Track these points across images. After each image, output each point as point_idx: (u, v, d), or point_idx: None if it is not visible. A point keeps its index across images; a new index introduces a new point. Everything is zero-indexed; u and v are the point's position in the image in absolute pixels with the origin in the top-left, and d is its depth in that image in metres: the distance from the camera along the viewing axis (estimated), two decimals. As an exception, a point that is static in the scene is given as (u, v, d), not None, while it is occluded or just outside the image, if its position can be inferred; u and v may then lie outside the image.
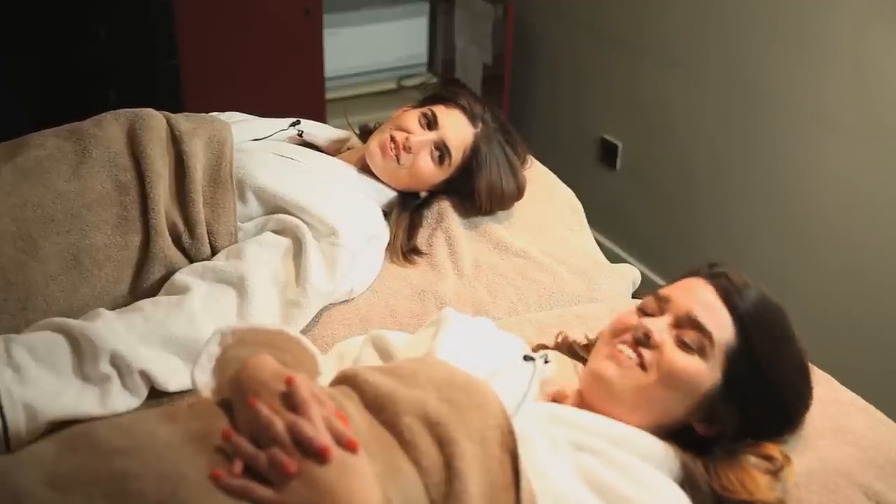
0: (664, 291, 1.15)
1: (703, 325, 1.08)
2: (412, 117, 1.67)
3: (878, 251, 2.10)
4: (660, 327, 1.10)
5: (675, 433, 1.11)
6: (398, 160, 1.64)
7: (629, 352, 1.10)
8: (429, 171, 1.67)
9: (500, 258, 1.70)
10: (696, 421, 1.10)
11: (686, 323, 1.10)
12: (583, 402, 1.14)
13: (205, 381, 1.05)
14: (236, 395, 0.96)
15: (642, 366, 1.09)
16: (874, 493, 1.19)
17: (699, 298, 1.11)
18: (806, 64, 2.19)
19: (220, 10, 2.85)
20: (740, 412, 1.08)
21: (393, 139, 1.64)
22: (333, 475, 0.85)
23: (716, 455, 1.08)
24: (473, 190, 1.70)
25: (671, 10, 2.58)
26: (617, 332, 1.14)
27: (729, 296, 1.10)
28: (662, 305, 1.13)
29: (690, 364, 1.08)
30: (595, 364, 1.13)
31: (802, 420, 1.14)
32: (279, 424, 0.88)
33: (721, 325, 1.09)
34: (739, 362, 1.08)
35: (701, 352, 1.08)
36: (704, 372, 1.07)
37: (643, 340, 1.10)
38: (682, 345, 1.09)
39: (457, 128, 1.66)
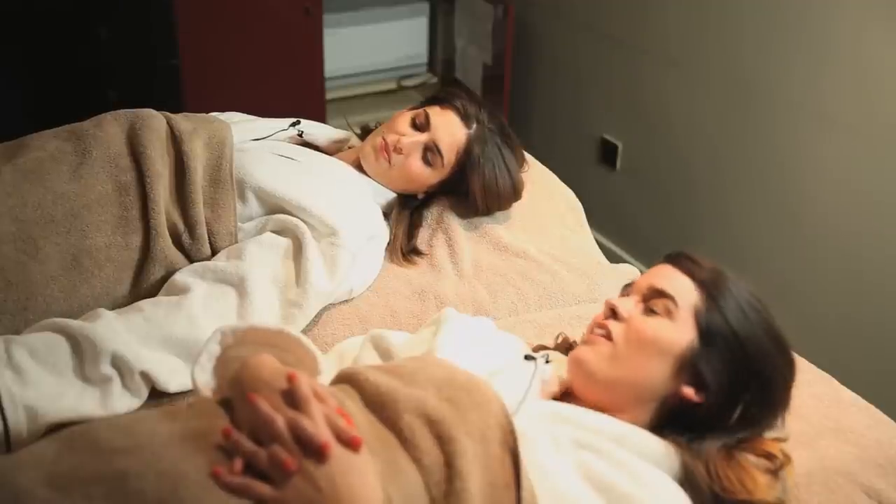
0: (630, 283, 1.22)
1: (664, 290, 1.13)
2: (405, 119, 1.68)
3: (877, 251, 2.10)
4: (626, 304, 1.15)
5: (670, 414, 1.11)
6: (389, 161, 1.65)
7: (599, 330, 1.15)
8: (420, 172, 1.67)
9: (500, 258, 1.70)
10: (685, 385, 1.10)
11: (650, 294, 1.15)
12: (572, 392, 1.16)
13: (205, 381, 1.05)
14: (237, 393, 0.96)
15: (611, 338, 1.13)
16: (875, 492, 1.19)
17: (659, 274, 1.17)
18: (806, 64, 2.19)
19: (220, 10, 2.85)
20: (722, 373, 1.09)
21: (384, 141, 1.64)
22: (335, 473, 0.85)
23: (714, 450, 1.08)
24: (469, 191, 1.70)
25: (671, 10, 2.58)
26: (592, 327, 1.19)
27: (687, 267, 1.15)
28: (628, 290, 1.20)
29: (658, 325, 1.11)
30: (573, 352, 1.17)
31: (779, 389, 1.12)
32: (280, 421, 0.88)
33: (683, 289, 1.13)
34: (710, 320, 1.10)
35: (667, 314, 1.12)
36: (671, 330, 1.10)
37: (611, 315, 1.15)
38: (649, 311, 1.13)
39: (448, 129, 1.66)
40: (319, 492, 0.85)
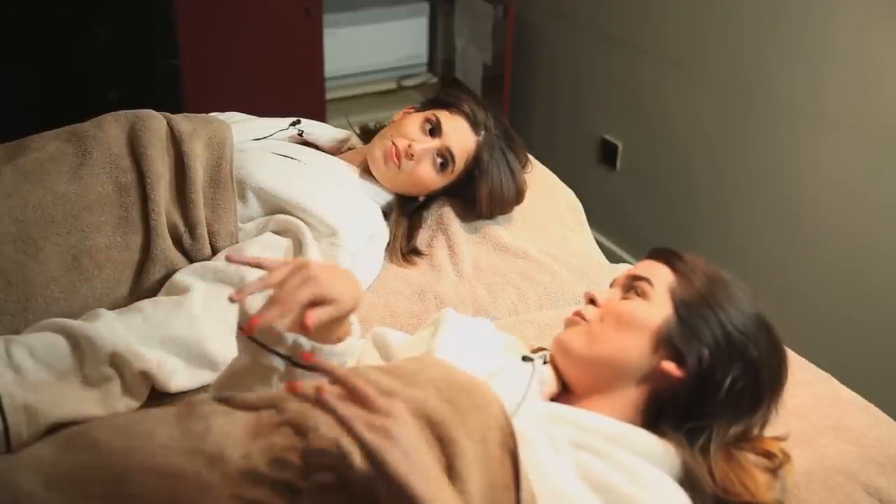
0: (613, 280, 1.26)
1: (640, 274, 1.17)
2: (415, 123, 1.66)
3: (877, 251, 2.10)
4: (605, 293, 1.20)
5: (660, 399, 1.11)
6: (399, 166, 1.64)
7: (578, 317, 1.19)
8: (430, 177, 1.67)
9: (500, 258, 1.70)
10: (665, 360, 1.10)
11: (628, 282, 1.19)
12: (570, 392, 1.17)
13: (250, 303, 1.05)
14: None
15: (583, 318, 1.17)
16: (876, 491, 1.19)
17: (638, 266, 1.22)
18: (806, 64, 2.19)
19: (220, 10, 2.85)
20: (700, 346, 1.10)
21: (395, 146, 1.63)
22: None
23: (714, 449, 1.08)
24: (475, 197, 1.70)
25: (671, 10, 2.58)
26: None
27: (666, 257, 1.19)
28: (611, 285, 1.24)
29: (633, 304, 1.15)
30: (555, 336, 1.20)
31: (765, 365, 1.11)
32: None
33: (659, 273, 1.17)
34: (686, 296, 1.13)
35: (643, 294, 1.15)
36: (646, 307, 1.13)
37: (590, 304, 1.20)
38: (626, 296, 1.17)
39: (460, 135, 1.66)
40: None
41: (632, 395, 1.12)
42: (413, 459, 0.81)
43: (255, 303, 1.37)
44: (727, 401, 1.09)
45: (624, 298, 1.17)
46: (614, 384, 1.13)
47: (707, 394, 1.09)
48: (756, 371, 1.11)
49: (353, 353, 1.10)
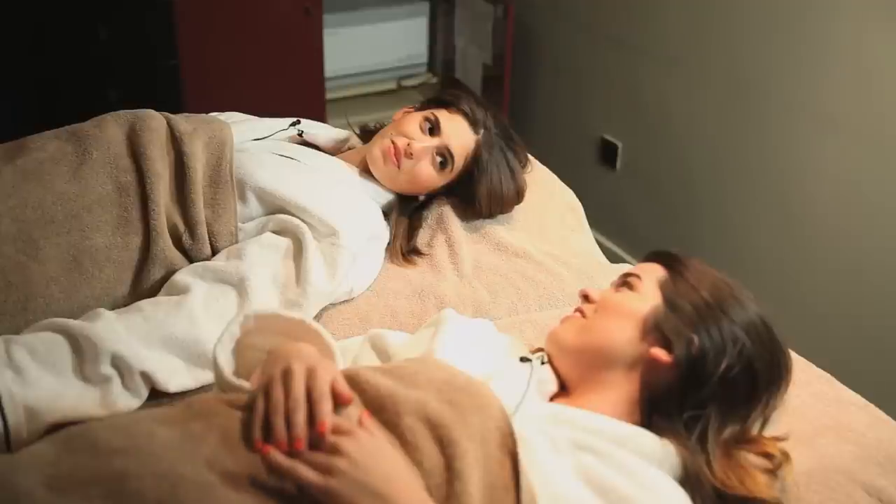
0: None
1: (631, 271, 1.22)
2: (414, 122, 1.66)
3: (877, 251, 2.10)
4: (598, 290, 1.24)
5: (652, 388, 1.11)
6: (399, 166, 1.64)
7: (574, 312, 1.23)
8: (429, 176, 1.67)
9: (500, 258, 1.70)
10: (653, 347, 1.11)
11: (621, 280, 1.22)
12: (569, 392, 1.17)
13: (226, 360, 1.07)
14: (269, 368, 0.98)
15: (583, 315, 1.21)
16: (876, 491, 1.19)
17: (635, 267, 1.25)
18: (806, 64, 2.19)
19: (220, 10, 2.85)
20: (689, 331, 1.10)
21: (394, 144, 1.64)
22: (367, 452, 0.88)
23: (713, 448, 1.08)
24: (474, 195, 1.70)
25: (671, 10, 2.59)
26: None
27: (660, 257, 1.22)
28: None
29: (622, 295, 1.18)
30: (549, 331, 1.23)
31: (758, 359, 1.11)
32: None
33: (650, 269, 1.20)
34: (675, 287, 1.15)
35: (632, 288, 1.18)
36: (635, 298, 1.16)
37: (584, 301, 1.23)
38: (618, 290, 1.21)
39: (459, 134, 1.66)
40: (367, 474, 0.86)
41: (625, 387, 1.12)
42: (362, 479, 0.85)
43: (259, 295, 1.37)
44: (721, 389, 1.09)
45: (616, 293, 1.20)
46: (604, 373, 1.13)
47: (700, 382, 1.09)
48: (749, 360, 1.11)
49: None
